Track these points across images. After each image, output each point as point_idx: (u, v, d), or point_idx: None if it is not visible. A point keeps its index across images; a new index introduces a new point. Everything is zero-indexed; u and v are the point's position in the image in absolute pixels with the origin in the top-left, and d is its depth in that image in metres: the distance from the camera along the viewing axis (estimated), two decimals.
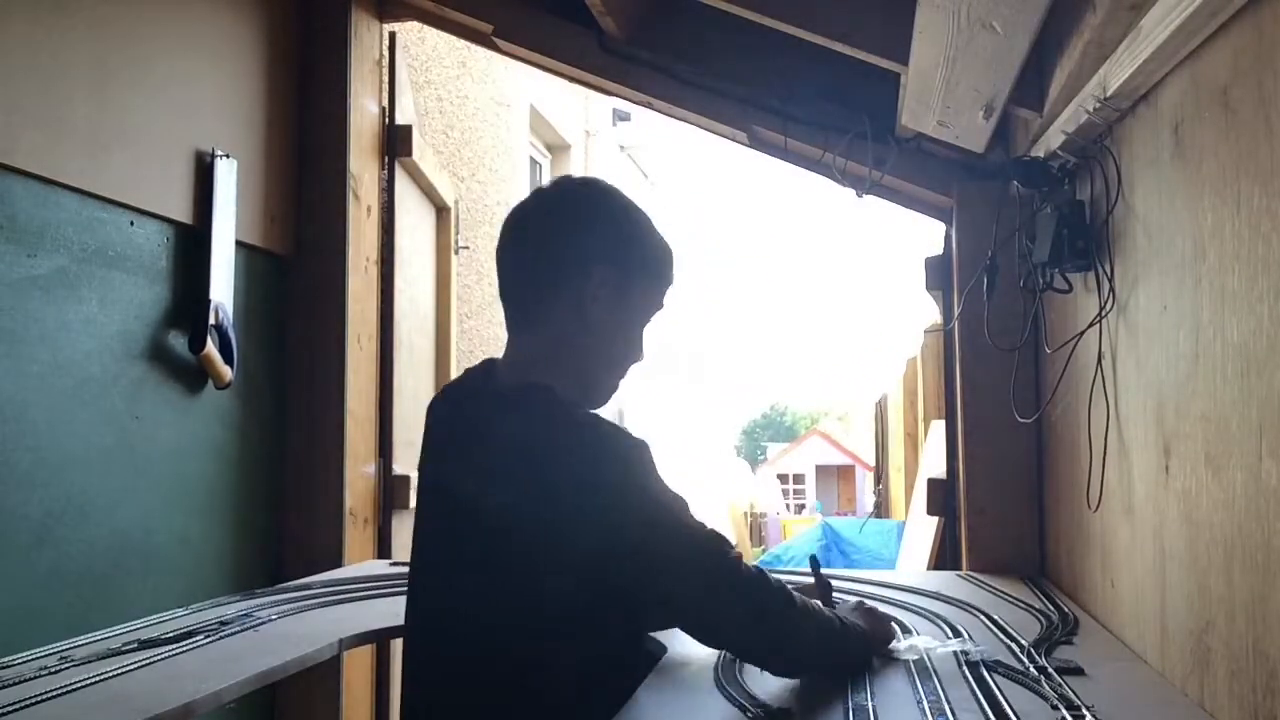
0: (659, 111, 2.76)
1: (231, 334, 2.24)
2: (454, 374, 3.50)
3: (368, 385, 2.75)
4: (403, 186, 2.98)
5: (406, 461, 2.95)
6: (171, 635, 1.68)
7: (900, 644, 1.59)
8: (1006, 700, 1.29)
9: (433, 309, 3.38)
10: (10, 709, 1.29)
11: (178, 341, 2.15)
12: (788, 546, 9.12)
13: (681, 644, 1.58)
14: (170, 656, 1.56)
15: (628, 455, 1.21)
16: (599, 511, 1.18)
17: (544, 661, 1.22)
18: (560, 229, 1.31)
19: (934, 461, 3.56)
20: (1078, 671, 1.44)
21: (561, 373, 1.29)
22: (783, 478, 22.87)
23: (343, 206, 2.63)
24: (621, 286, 1.30)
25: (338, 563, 2.55)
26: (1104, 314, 1.70)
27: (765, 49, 2.51)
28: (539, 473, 1.21)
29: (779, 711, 1.25)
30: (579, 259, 1.29)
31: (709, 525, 1.26)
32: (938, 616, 1.81)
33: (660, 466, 1.24)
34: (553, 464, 1.21)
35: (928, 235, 2.79)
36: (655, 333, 1.43)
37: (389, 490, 2.83)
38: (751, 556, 12.05)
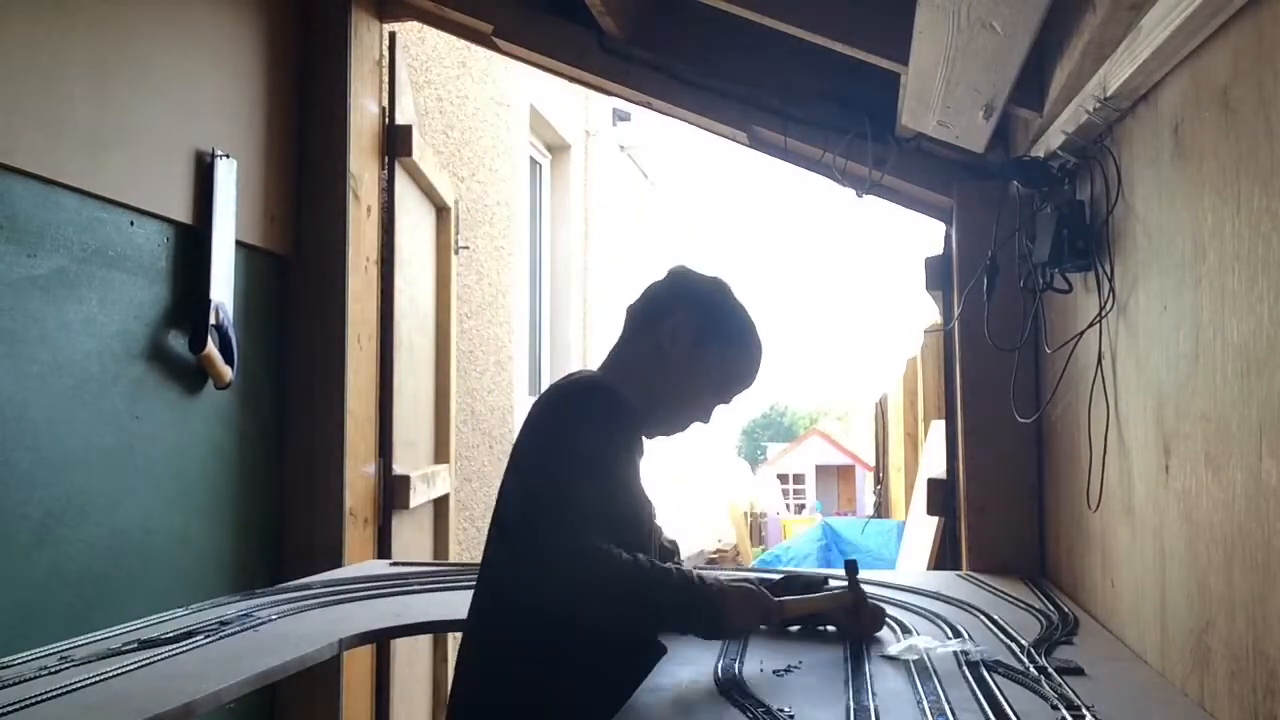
0: (659, 111, 2.76)
1: (232, 334, 2.24)
2: (453, 374, 3.50)
3: (368, 385, 2.75)
4: (403, 186, 2.98)
5: (406, 461, 2.95)
6: (171, 635, 1.68)
7: (900, 644, 1.59)
8: (1006, 700, 1.29)
9: (433, 309, 3.38)
10: (10, 709, 1.29)
11: (178, 341, 2.15)
12: (788, 546, 9.11)
13: (682, 644, 1.58)
14: (170, 656, 1.56)
15: (578, 404, 1.48)
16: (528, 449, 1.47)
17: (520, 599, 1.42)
18: (674, 286, 1.64)
19: (934, 461, 3.56)
20: (1078, 671, 1.44)
21: (629, 384, 1.55)
22: (783, 478, 22.85)
23: (343, 206, 2.63)
24: (698, 339, 1.57)
25: (338, 563, 2.55)
26: (1104, 314, 1.70)
27: (765, 49, 2.51)
28: (528, 427, 1.50)
29: (779, 711, 1.25)
30: (673, 304, 1.60)
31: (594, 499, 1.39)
32: (938, 616, 1.81)
33: (621, 428, 1.48)
34: (534, 418, 1.49)
35: (928, 235, 2.80)
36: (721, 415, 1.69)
37: (389, 490, 2.83)
38: (751, 557, 12.05)
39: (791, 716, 1.24)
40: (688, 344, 1.58)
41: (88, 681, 1.42)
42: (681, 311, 1.59)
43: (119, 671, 1.47)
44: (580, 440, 1.41)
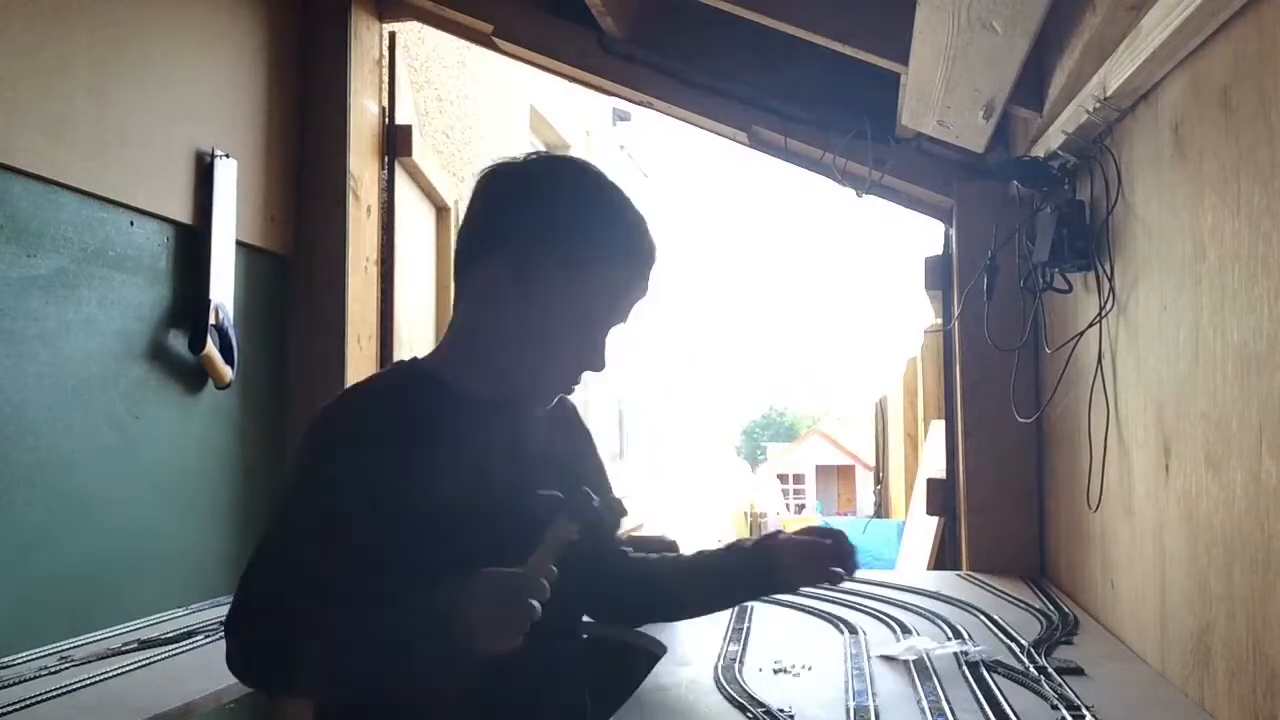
0: (659, 111, 2.76)
1: (232, 334, 2.24)
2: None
3: None
4: (403, 186, 2.98)
5: None
6: (171, 635, 1.68)
7: (900, 644, 1.59)
8: (1006, 700, 1.29)
9: (433, 309, 3.38)
10: (10, 709, 1.29)
11: (178, 341, 2.15)
12: None
13: (682, 644, 1.58)
14: (170, 656, 1.57)
15: (307, 432, 1.08)
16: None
17: None
18: (491, 207, 1.13)
19: (934, 461, 3.56)
20: (1078, 671, 1.44)
21: (468, 364, 1.13)
22: (783, 478, 22.87)
23: (343, 206, 2.63)
24: (523, 284, 1.09)
25: None
26: (1104, 314, 1.70)
27: (765, 49, 2.51)
28: None
29: (779, 712, 1.25)
30: (478, 246, 1.12)
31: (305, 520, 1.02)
32: (938, 616, 1.81)
33: (336, 447, 1.05)
34: None
35: (928, 235, 2.80)
36: (623, 338, 1.22)
37: None
38: None
39: (792, 717, 1.24)
40: (513, 295, 1.09)
41: (88, 681, 1.42)
42: (489, 255, 1.10)
43: (119, 671, 1.47)
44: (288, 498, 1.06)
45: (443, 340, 1.18)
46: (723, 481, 13.57)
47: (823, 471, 24.09)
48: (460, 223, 1.16)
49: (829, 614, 1.85)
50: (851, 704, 1.29)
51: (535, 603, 0.92)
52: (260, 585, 1.00)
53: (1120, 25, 1.38)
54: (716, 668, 1.47)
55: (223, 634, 0.99)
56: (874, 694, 1.33)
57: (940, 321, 2.87)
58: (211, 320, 2.18)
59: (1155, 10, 1.24)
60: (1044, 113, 1.83)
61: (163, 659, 1.55)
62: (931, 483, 2.75)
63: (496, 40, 2.72)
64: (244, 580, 1.01)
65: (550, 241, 1.10)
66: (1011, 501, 2.36)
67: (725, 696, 1.34)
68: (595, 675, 1.29)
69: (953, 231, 2.55)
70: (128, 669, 1.49)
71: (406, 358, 1.20)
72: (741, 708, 1.28)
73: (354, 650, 0.97)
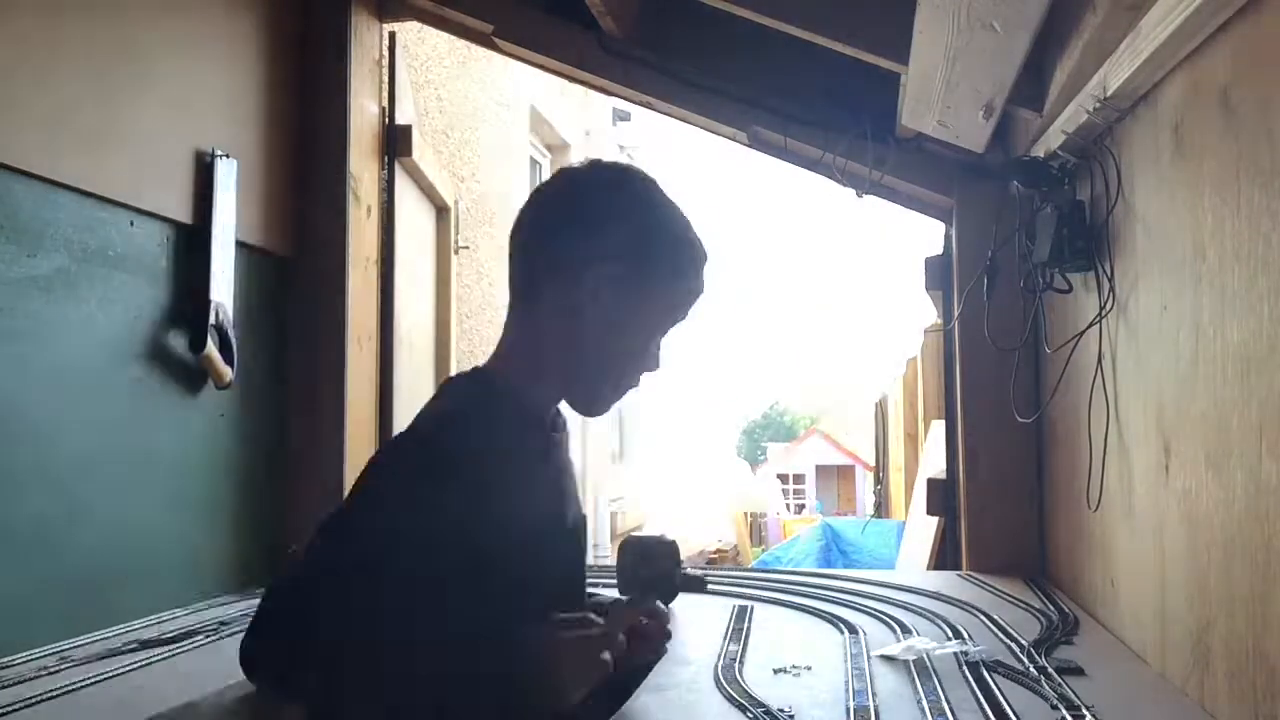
0: (659, 111, 2.76)
1: (231, 334, 2.24)
2: (454, 373, 3.49)
3: (368, 385, 2.75)
4: (403, 186, 2.98)
5: None
6: (171, 635, 1.68)
7: (900, 644, 1.59)
8: (1006, 700, 1.29)
9: (433, 309, 3.38)
10: (10, 709, 1.29)
11: (178, 341, 2.15)
12: (788, 546, 9.11)
13: (682, 644, 1.58)
14: (170, 656, 1.57)
15: (415, 453, 1.07)
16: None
17: None
18: (569, 217, 1.16)
19: (934, 461, 3.56)
20: (1078, 671, 1.44)
21: (541, 376, 1.15)
22: (783, 478, 22.85)
23: (343, 206, 2.63)
24: (633, 290, 1.13)
25: None
26: (1104, 314, 1.70)
27: (765, 49, 2.51)
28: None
29: (779, 712, 1.25)
30: (585, 252, 1.13)
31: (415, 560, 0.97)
32: (938, 616, 1.82)
33: (458, 485, 1.02)
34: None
35: (928, 235, 2.80)
36: (672, 341, 1.28)
37: None
38: (751, 557, 12.06)
39: (791, 717, 1.24)
40: (618, 300, 1.14)
41: (88, 681, 1.42)
42: (601, 262, 1.12)
43: (119, 671, 1.47)
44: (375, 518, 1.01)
45: (511, 348, 1.17)
46: (722, 481, 13.57)
47: (823, 471, 24.07)
48: (525, 227, 1.17)
49: (829, 614, 1.86)
50: (851, 704, 1.29)
51: (609, 658, 0.94)
52: (329, 597, 0.95)
53: (1120, 25, 1.38)
54: (716, 668, 1.47)
55: (251, 625, 0.93)
56: (874, 694, 1.33)
57: (940, 321, 2.88)
58: (211, 320, 2.18)
59: (1155, 10, 1.24)
60: (1044, 113, 1.83)
61: (163, 659, 1.55)
62: (931, 483, 2.75)
63: (496, 40, 2.72)
64: (303, 581, 0.98)
65: (661, 256, 1.14)
66: (1011, 501, 2.36)
67: (725, 696, 1.34)
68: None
69: (953, 231, 2.55)
70: (128, 669, 1.49)
71: (467, 368, 1.19)
72: (741, 708, 1.28)
73: (424, 686, 0.93)
